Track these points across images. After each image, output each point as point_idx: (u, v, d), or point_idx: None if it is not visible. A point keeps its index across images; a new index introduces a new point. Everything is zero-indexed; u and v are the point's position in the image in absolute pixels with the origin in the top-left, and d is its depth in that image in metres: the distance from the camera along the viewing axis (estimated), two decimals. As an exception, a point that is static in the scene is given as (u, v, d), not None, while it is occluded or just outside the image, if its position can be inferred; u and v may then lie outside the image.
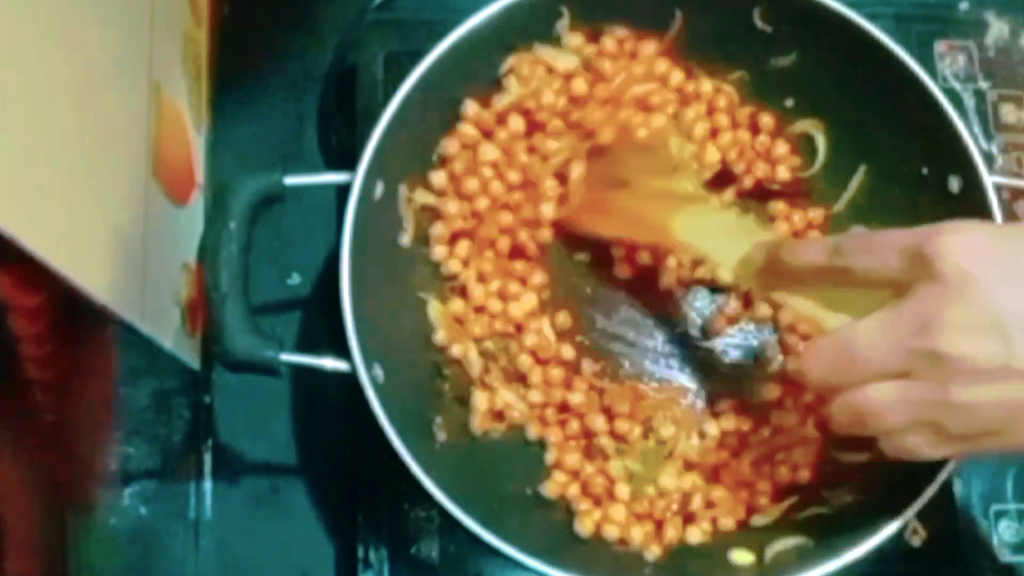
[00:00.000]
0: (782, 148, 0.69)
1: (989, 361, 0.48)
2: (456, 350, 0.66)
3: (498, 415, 0.66)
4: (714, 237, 0.60)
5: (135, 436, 0.63)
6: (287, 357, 0.58)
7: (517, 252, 0.68)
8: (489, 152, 0.67)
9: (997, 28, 0.77)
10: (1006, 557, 0.69)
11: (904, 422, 0.50)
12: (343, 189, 0.60)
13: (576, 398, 0.66)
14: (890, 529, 0.58)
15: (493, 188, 0.67)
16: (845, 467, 0.65)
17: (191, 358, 0.69)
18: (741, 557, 0.62)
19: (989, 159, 0.73)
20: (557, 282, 0.69)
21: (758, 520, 0.64)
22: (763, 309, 0.68)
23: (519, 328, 0.67)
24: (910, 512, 0.58)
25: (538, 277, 0.68)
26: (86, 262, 0.50)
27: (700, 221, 0.61)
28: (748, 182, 0.69)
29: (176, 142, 0.68)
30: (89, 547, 0.57)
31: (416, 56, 0.62)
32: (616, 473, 0.65)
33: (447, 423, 0.64)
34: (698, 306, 0.69)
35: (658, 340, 0.69)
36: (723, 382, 0.68)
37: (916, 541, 0.67)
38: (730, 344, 0.69)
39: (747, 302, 0.68)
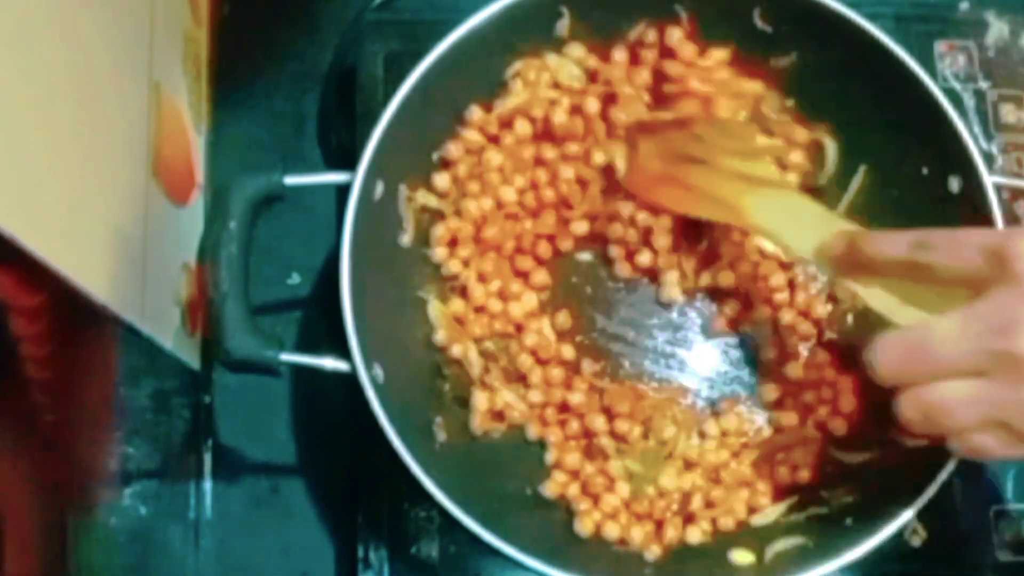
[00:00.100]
0: (797, 157, 0.68)
1: None
2: (456, 350, 0.66)
3: (498, 415, 0.66)
4: (787, 221, 0.59)
5: (135, 436, 0.63)
6: (287, 357, 0.58)
7: (520, 252, 0.68)
8: (495, 158, 0.67)
9: (997, 28, 0.77)
10: (1006, 557, 0.69)
11: (976, 421, 0.50)
12: (343, 189, 0.60)
13: (576, 398, 0.66)
14: (890, 529, 0.58)
15: (499, 194, 0.67)
16: (845, 467, 0.65)
17: (191, 358, 0.69)
18: (741, 557, 0.62)
19: (989, 159, 0.73)
20: (557, 282, 0.69)
21: (758, 520, 0.64)
22: (763, 311, 0.68)
23: (519, 328, 0.67)
24: (910, 512, 0.58)
25: (539, 277, 0.68)
26: (86, 262, 0.50)
27: (775, 204, 0.61)
28: None
29: (176, 142, 0.68)
30: (89, 547, 0.56)
31: (416, 56, 0.62)
32: (616, 473, 0.65)
33: (447, 423, 0.64)
34: (698, 306, 0.69)
35: (658, 340, 0.69)
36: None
37: (916, 541, 0.67)
38: (730, 344, 0.69)
39: (747, 304, 0.68)
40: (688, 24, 0.67)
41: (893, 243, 0.54)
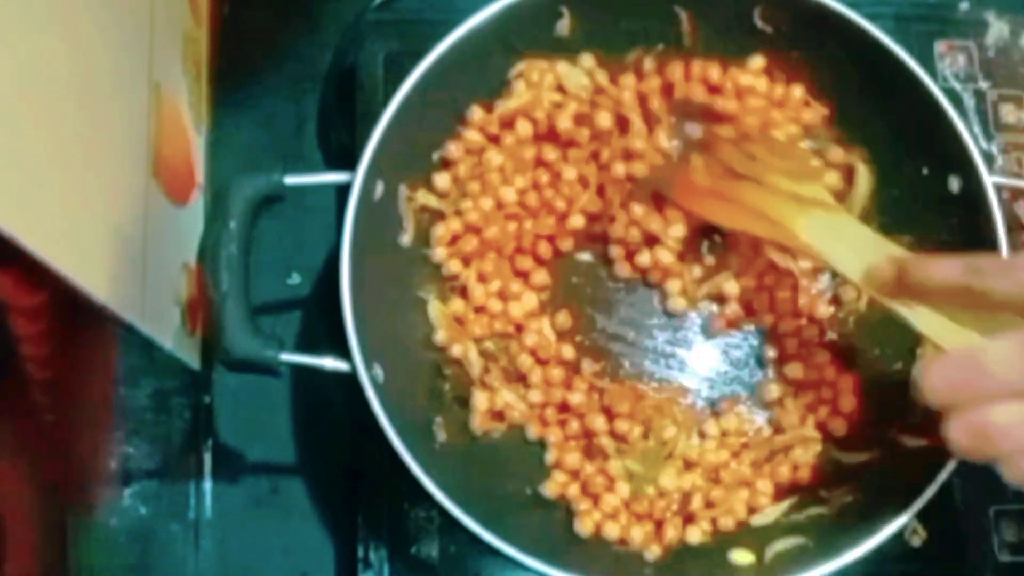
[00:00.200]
0: (833, 178, 0.68)
1: None
2: (456, 350, 0.66)
3: (498, 415, 0.66)
4: (837, 243, 0.60)
5: (135, 436, 0.63)
6: (287, 357, 0.58)
7: (520, 252, 0.68)
8: (495, 158, 0.67)
9: (997, 28, 0.77)
10: (1006, 557, 0.69)
11: None
12: (343, 189, 0.60)
13: (576, 398, 0.66)
14: (890, 529, 0.58)
15: (500, 194, 0.67)
16: (845, 467, 0.65)
17: (191, 358, 0.69)
18: (741, 557, 0.62)
19: (989, 159, 0.73)
20: (557, 282, 0.69)
21: (758, 520, 0.64)
22: (767, 319, 0.68)
23: (519, 328, 0.67)
24: (910, 512, 0.58)
25: (539, 277, 0.68)
26: (86, 262, 0.50)
27: (825, 226, 0.61)
28: None
29: (176, 142, 0.68)
30: (89, 547, 0.56)
31: (416, 56, 0.62)
32: (616, 473, 0.65)
33: (447, 423, 0.64)
34: (699, 307, 0.69)
35: (658, 340, 0.69)
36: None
37: (916, 541, 0.67)
38: (730, 344, 0.69)
39: (748, 310, 0.68)
40: (689, 23, 0.67)
41: (945, 269, 0.53)
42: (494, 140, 0.68)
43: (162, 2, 0.65)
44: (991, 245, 0.61)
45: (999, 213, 0.61)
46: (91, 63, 0.52)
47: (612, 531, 0.63)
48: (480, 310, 0.67)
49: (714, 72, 0.68)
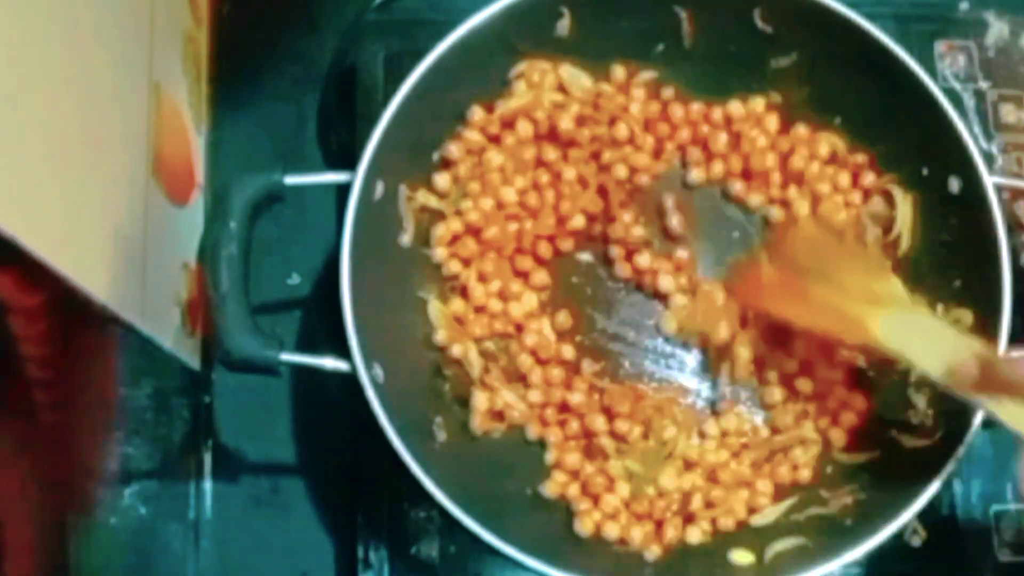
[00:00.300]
0: (878, 205, 0.68)
1: None
2: (456, 350, 0.66)
3: (498, 415, 0.66)
4: (917, 341, 0.58)
5: (135, 436, 0.63)
6: (287, 357, 0.58)
7: (520, 252, 0.68)
8: (496, 158, 0.67)
9: (997, 28, 0.77)
10: (1006, 557, 0.69)
11: None
12: (343, 189, 0.60)
13: (576, 398, 0.66)
14: (890, 529, 0.58)
15: (500, 194, 0.67)
16: (845, 467, 0.65)
17: (191, 358, 0.69)
18: (741, 557, 0.62)
19: (989, 159, 0.73)
20: (557, 282, 0.69)
21: (758, 520, 0.64)
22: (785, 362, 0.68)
23: (519, 328, 0.67)
24: (910, 512, 0.58)
25: (539, 277, 0.68)
26: (86, 262, 0.50)
27: (903, 323, 0.59)
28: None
29: (176, 142, 0.68)
30: (89, 547, 0.56)
31: (416, 56, 0.62)
32: (616, 473, 0.65)
33: (447, 423, 0.64)
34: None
35: (658, 340, 0.69)
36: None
37: (916, 541, 0.67)
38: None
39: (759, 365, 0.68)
40: (689, 23, 0.67)
41: None
42: (494, 140, 0.68)
43: (162, 2, 0.65)
44: (991, 245, 0.61)
45: (999, 213, 0.61)
46: (91, 63, 0.52)
47: (612, 531, 0.63)
48: (480, 310, 0.67)
49: (717, 113, 0.69)
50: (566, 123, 0.67)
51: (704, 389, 0.68)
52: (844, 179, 0.68)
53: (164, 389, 0.67)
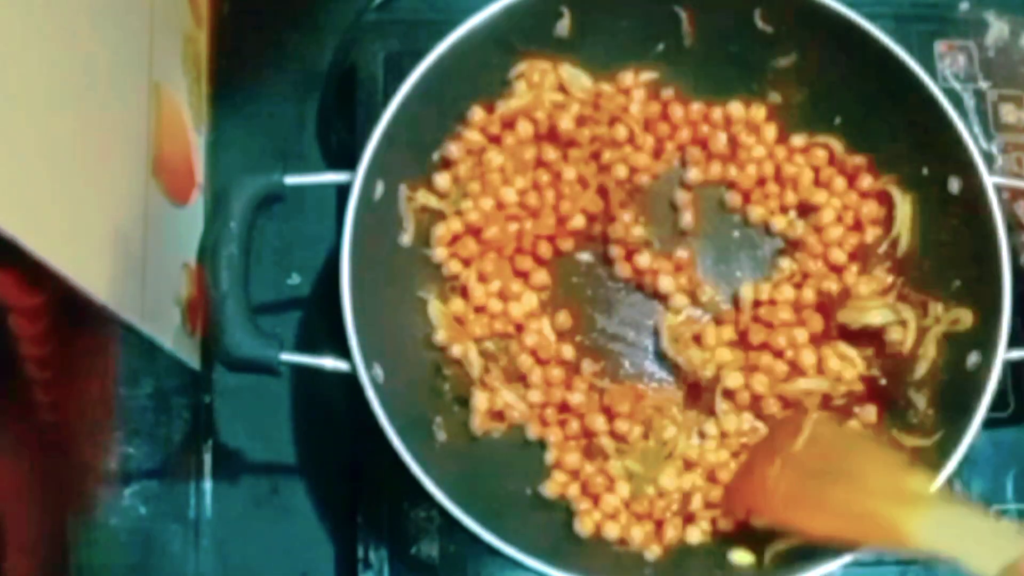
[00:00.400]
0: (872, 207, 0.68)
1: None
2: (456, 350, 0.66)
3: (498, 415, 0.66)
4: (962, 541, 0.53)
5: (135, 436, 0.63)
6: (287, 357, 0.58)
7: (520, 252, 0.68)
8: (496, 158, 0.67)
9: (997, 28, 0.77)
10: (1006, 557, 0.69)
11: None
12: (343, 189, 0.60)
13: (576, 398, 0.66)
14: (890, 529, 0.58)
15: (500, 194, 0.67)
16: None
17: (191, 358, 0.69)
18: (741, 557, 0.62)
19: (989, 159, 0.73)
20: (557, 282, 0.69)
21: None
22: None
23: (519, 328, 0.67)
24: (910, 512, 0.58)
25: (539, 277, 0.68)
26: (86, 262, 0.50)
27: (943, 522, 0.54)
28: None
29: (176, 142, 0.68)
30: (89, 547, 0.56)
31: (416, 56, 0.62)
32: (616, 473, 0.65)
33: (447, 423, 0.64)
34: (700, 307, 0.69)
35: (658, 340, 0.69)
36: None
37: (916, 541, 0.67)
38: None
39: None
40: (689, 23, 0.67)
41: None
42: (495, 140, 0.68)
43: (162, 2, 0.65)
44: (991, 245, 0.61)
45: (999, 213, 0.61)
46: (91, 63, 0.52)
47: (612, 531, 0.63)
48: (480, 310, 0.67)
49: (717, 113, 0.69)
50: (566, 123, 0.67)
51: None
52: (840, 185, 0.68)
53: (164, 389, 0.67)
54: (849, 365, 0.66)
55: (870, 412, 0.65)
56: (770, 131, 0.69)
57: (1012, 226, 0.68)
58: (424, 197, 0.66)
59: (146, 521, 0.64)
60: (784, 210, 0.69)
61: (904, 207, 0.66)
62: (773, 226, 0.69)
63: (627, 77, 0.69)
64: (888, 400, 0.65)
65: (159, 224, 0.62)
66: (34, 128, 0.45)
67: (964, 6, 0.77)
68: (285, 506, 0.71)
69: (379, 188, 0.62)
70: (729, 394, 0.66)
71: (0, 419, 0.50)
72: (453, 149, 0.67)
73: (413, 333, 0.66)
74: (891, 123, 0.66)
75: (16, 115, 0.43)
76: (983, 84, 0.76)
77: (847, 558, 0.58)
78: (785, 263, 0.68)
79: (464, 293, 0.67)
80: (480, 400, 0.65)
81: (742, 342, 0.67)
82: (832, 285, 0.67)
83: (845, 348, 0.66)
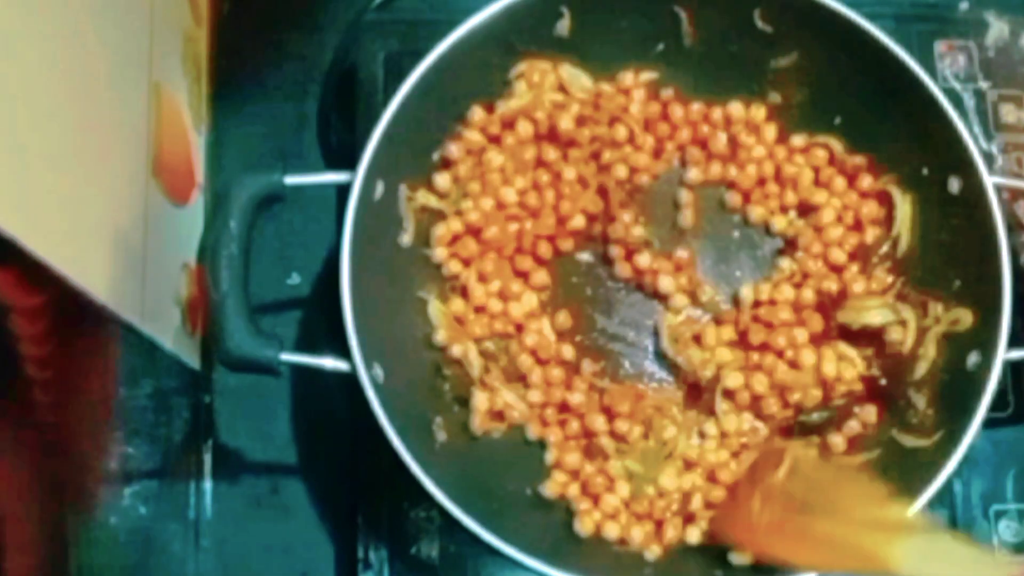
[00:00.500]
0: (872, 208, 0.68)
1: None
2: (456, 350, 0.66)
3: (498, 415, 0.66)
4: (951, 568, 0.54)
5: (135, 436, 0.63)
6: (287, 357, 0.58)
7: (520, 252, 0.68)
8: (496, 158, 0.67)
9: (997, 28, 0.77)
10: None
11: None
12: (343, 189, 0.60)
13: (576, 398, 0.66)
14: (890, 529, 0.58)
15: (500, 194, 0.67)
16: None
17: (191, 358, 0.69)
18: (741, 557, 0.62)
19: (989, 159, 0.73)
20: (557, 282, 0.69)
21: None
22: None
23: (519, 328, 0.67)
24: (910, 512, 0.58)
25: (539, 277, 0.68)
26: (86, 262, 0.50)
27: (926, 552, 0.54)
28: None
29: (176, 142, 0.68)
30: (89, 547, 0.56)
31: (416, 56, 0.62)
32: (616, 473, 0.65)
33: (447, 423, 0.64)
34: (700, 306, 0.69)
35: (658, 340, 0.69)
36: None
37: (916, 541, 0.67)
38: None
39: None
40: (689, 23, 0.67)
41: None
42: (495, 140, 0.68)
43: (162, 2, 0.65)
44: (991, 245, 0.61)
45: (999, 213, 0.61)
46: (91, 63, 0.52)
47: (612, 531, 0.63)
48: (480, 310, 0.67)
49: (717, 113, 0.69)
50: (566, 123, 0.67)
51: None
52: (840, 185, 0.68)
53: (164, 389, 0.67)
54: (849, 365, 0.66)
55: (870, 412, 0.65)
56: (770, 131, 0.69)
57: (1012, 226, 0.68)
58: (424, 197, 0.66)
59: (146, 521, 0.64)
60: (784, 210, 0.69)
61: (904, 207, 0.66)
62: (773, 226, 0.69)
63: (627, 77, 0.69)
64: (888, 400, 0.65)
65: (159, 224, 0.62)
66: (34, 128, 0.45)
67: (964, 6, 0.77)
68: (285, 506, 0.71)
69: (379, 188, 0.62)
70: (729, 394, 0.66)
71: (0, 419, 0.50)
72: (453, 149, 0.67)
73: (413, 333, 0.66)
74: (891, 123, 0.66)
75: (16, 115, 0.43)
76: (983, 84, 0.76)
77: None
78: (785, 263, 0.68)
79: (464, 293, 0.67)
80: (480, 400, 0.65)
81: (742, 342, 0.67)
82: (832, 285, 0.67)
83: (845, 348, 0.66)
